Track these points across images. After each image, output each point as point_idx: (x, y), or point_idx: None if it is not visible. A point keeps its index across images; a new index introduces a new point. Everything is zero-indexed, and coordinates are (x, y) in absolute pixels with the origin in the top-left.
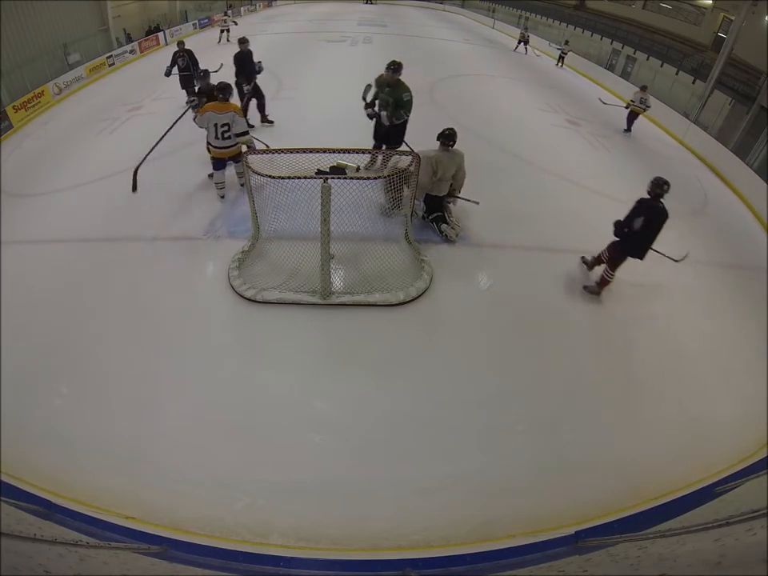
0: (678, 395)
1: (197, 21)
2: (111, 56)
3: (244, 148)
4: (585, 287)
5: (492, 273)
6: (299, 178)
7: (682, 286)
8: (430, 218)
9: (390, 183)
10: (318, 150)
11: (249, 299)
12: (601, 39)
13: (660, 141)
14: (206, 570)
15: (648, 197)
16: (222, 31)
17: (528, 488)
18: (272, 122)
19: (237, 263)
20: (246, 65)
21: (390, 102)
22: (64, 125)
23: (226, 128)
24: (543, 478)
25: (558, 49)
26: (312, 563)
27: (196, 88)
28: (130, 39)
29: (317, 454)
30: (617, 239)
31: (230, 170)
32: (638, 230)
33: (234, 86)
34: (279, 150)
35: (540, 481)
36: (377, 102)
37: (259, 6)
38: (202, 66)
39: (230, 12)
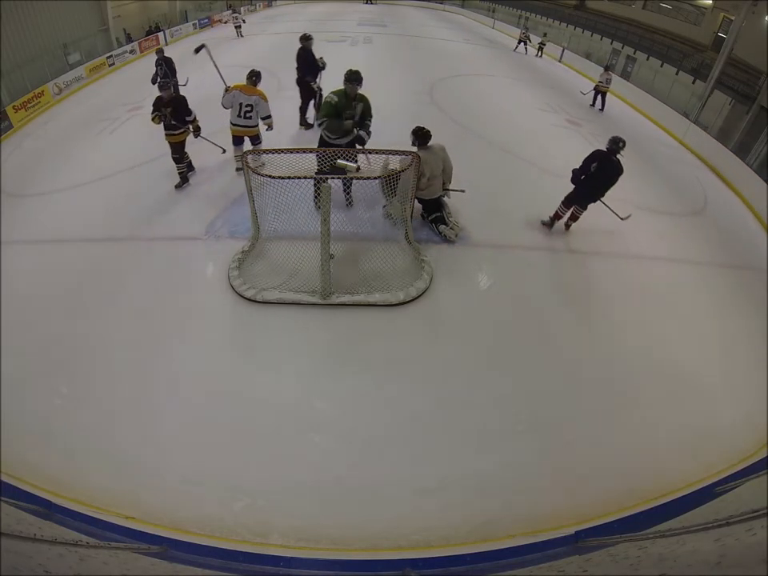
0: (678, 395)
1: (197, 21)
2: (111, 56)
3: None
4: (542, 221)
5: (492, 273)
6: (299, 177)
7: (682, 287)
8: (430, 218)
9: (389, 185)
10: (318, 150)
11: (249, 299)
12: (601, 39)
13: (660, 141)
14: (206, 570)
15: (603, 150)
16: (236, 27)
17: (528, 488)
18: None
19: (237, 263)
20: (309, 61)
21: (357, 118)
22: (64, 125)
23: (249, 108)
24: (543, 478)
25: (539, 43)
26: (312, 563)
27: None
28: (129, 39)
29: (317, 454)
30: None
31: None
32: (592, 176)
33: (296, 83)
34: (279, 149)
35: (540, 481)
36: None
37: (259, 5)
38: (179, 76)
39: (239, 9)
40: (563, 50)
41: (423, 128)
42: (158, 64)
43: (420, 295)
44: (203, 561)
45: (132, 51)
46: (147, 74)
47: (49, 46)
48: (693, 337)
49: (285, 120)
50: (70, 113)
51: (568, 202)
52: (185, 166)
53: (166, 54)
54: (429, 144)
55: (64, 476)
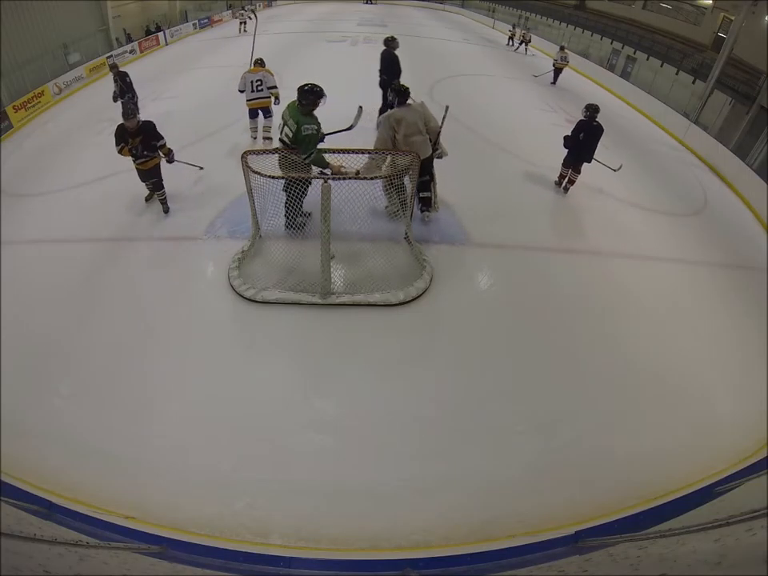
0: (678, 395)
1: (197, 21)
2: (111, 56)
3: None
4: (555, 181)
5: (492, 273)
6: (299, 177)
7: (682, 287)
8: (420, 195)
9: (391, 184)
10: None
11: (249, 299)
12: (601, 39)
13: (660, 141)
14: (206, 570)
15: (584, 119)
16: (241, 23)
17: (528, 488)
18: None
19: (237, 263)
20: (393, 64)
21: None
22: (64, 125)
23: (258, 83)
24: (543, 478)
25: (509, 32)
26: (312, 563)
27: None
28: (130, 39)
29: (317, 454)
30: (567, 149)
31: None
32: (580, 142)
33: (380, 86)
34: (280, 150)
35: (540, 481)
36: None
37: (259, 5)
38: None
39: (247, 6)
40: None
41: (403, 84)
42: (114, 80)
43: (420, 295)
44: (203, 561)
45: (132, 51)
46: (147, 74)
47: (49, 46)
48: (693, 336)
49: None
50: (69, 113)
51: (566, 163)
52: (165, 192)
53: (121, 69)
54: (408, 102)
55: (64, 476)
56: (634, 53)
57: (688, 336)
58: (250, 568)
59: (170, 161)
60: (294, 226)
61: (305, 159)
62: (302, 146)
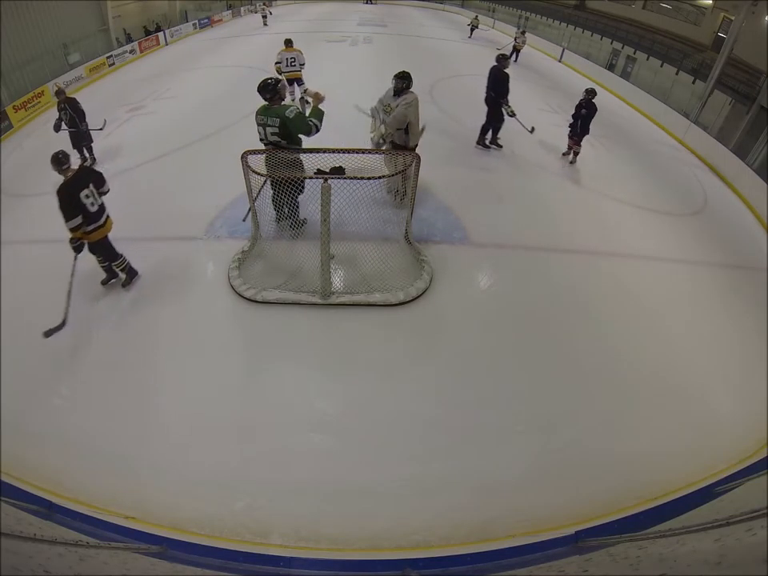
0: (678, 395)
1: (197, 21)
2: (111, 56)
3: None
4: (563, 153)
5: (492, 273)
6: (299, 177)
7: (682, 287)
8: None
9: (394, 181)
10: (318, 150)
11: (249, 299)
12: (601, 39)
13: (660, 141)
14: (206, 570)
15: (584, 99)
16: (263, 17)
17: (528, 488)
18: (501, 146)
19: (237, 263)
20: (503, 82)
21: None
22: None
23: (292, 59)
24: (543, 478)
25: (469, 24)
26: (312, 563)
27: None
28: (130, 39)
29: (317, 454)
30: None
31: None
32: (581, 116)
33: (485, 102)
34: (280, 149)
35: (540, 481)
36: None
37: (259, 6)
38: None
39: (267, 1)
40: (563, 50)
41: (404, 72)
42: (60, 108)
43: (420, 295)
44: (203, 561)
45: (132, 51)
46: (147, 74)
47: (49, 46)
48: (693, 337)
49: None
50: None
51: (571, 134)
52: (125, 259)
53: (69, 95)
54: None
55: (64, 476)
56: (634, 53)
57: (688, 336)
58: (250, 568)
59: (76, 249)
60: (294, 225)
61: (315, 133)
62: (298, 129)
